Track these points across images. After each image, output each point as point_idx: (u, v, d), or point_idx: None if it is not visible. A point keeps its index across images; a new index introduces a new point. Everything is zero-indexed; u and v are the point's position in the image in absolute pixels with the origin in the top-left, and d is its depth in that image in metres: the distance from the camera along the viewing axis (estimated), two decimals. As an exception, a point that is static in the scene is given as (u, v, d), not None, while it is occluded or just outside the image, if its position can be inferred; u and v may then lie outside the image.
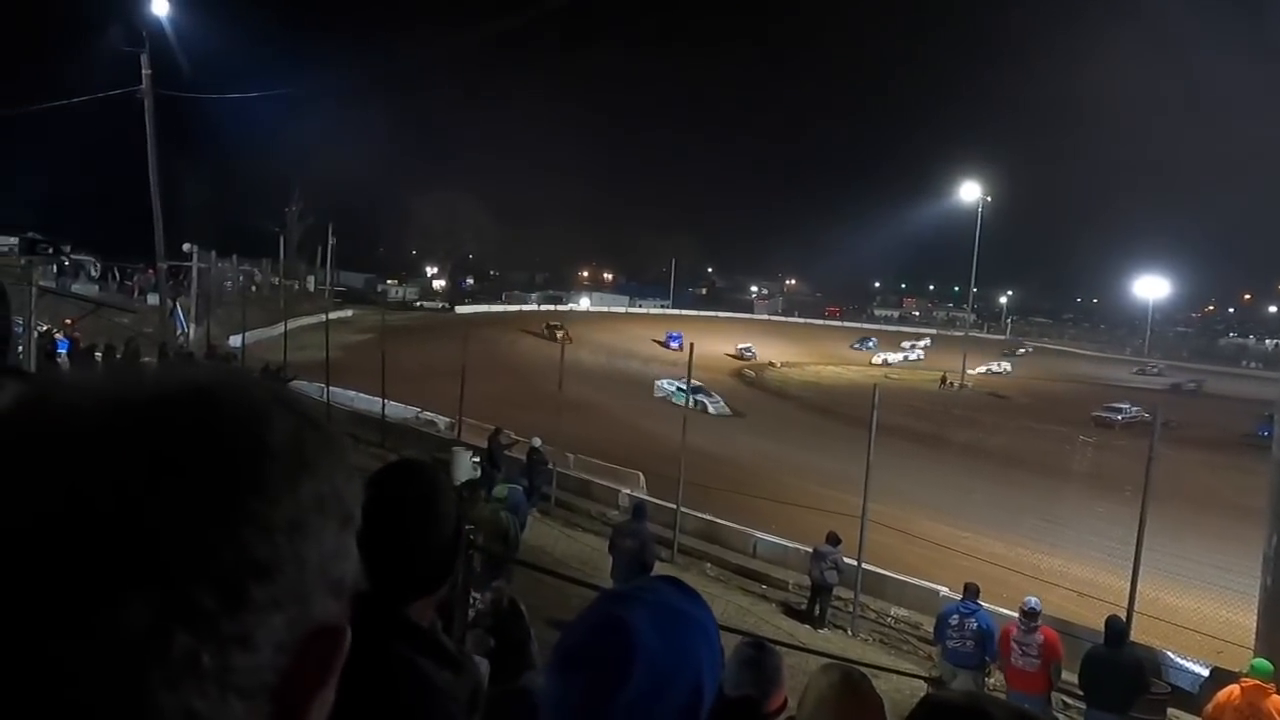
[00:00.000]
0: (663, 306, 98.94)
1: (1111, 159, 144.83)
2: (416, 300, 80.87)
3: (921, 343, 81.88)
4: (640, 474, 19.13)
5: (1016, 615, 10.68)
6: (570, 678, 1.09)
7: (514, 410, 22.09)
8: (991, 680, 9.64)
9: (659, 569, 11.27)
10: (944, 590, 12.44)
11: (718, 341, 61.83)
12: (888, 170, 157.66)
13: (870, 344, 79.29)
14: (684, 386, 36.53)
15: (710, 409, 38.22)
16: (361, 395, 24.56)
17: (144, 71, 24.62)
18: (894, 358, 74.14)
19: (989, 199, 70.32)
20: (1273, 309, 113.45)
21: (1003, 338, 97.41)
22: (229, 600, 0.46)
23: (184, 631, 0.44)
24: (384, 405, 22.67)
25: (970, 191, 71.77)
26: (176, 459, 0.47)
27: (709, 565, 14.65)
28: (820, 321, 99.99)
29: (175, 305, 32.76)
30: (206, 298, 37.17)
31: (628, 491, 17.86)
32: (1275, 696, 7.04)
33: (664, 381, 42.30)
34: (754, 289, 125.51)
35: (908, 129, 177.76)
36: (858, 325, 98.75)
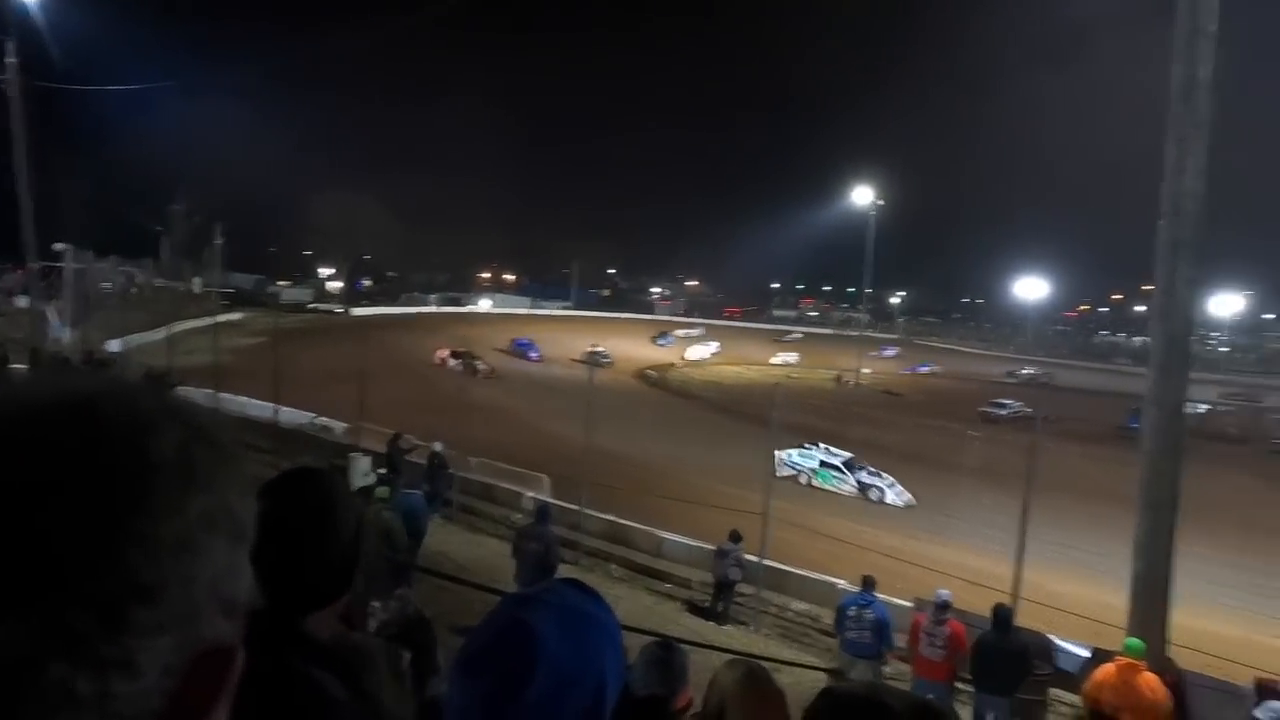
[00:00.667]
0: (565, 308, 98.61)
1: (997, 165, 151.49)
2: (310, 302, 78.36)
3: (695, 332, 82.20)
4: (545, 476, 19.03)
5: (911, 605, 11.08)
6: (473, 682, 1.09)
7: (417, 414, 21.71)
8: (888, 669, 9.94)
9: (564, 571, 11.23)
10: (842, 583, 12.78)
11: (588, 343, 60.96)
12: (787, 174, 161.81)
13: (670, 339, 78.00)
14: (831, 460, 26.75)
15: (890, 498, 25.34)
16: (253, 401, 23.70)
17: (9, 60, 23.22)
18: (703, 351, 73.35)
19: (881, 202, 72.63)
20: (1140, 308, 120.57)
21: (897, 336, 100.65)
22: (110, 624, 0.43)
23: (60, 658, 0.42)
24: (277, 411, 21.93)
25: (863, 196, 73.94)
26: (54, 476, 0.44)
27: (614, 566, 14.69)
28: (720, 322, 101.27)
29: (48, 308, 30.95)
30: (84, 300, 35.23)
31: (532, 494, 17.75)
32: (1146, 674, 7.47)
33: (791, 454, 27.07)
34: (656, 290, 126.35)
35: (806, 134, 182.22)
36: (757, 325, 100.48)
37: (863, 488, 25.87)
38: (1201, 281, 10.27)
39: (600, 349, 60.29)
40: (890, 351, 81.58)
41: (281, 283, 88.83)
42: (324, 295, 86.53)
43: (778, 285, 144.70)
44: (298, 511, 1.36)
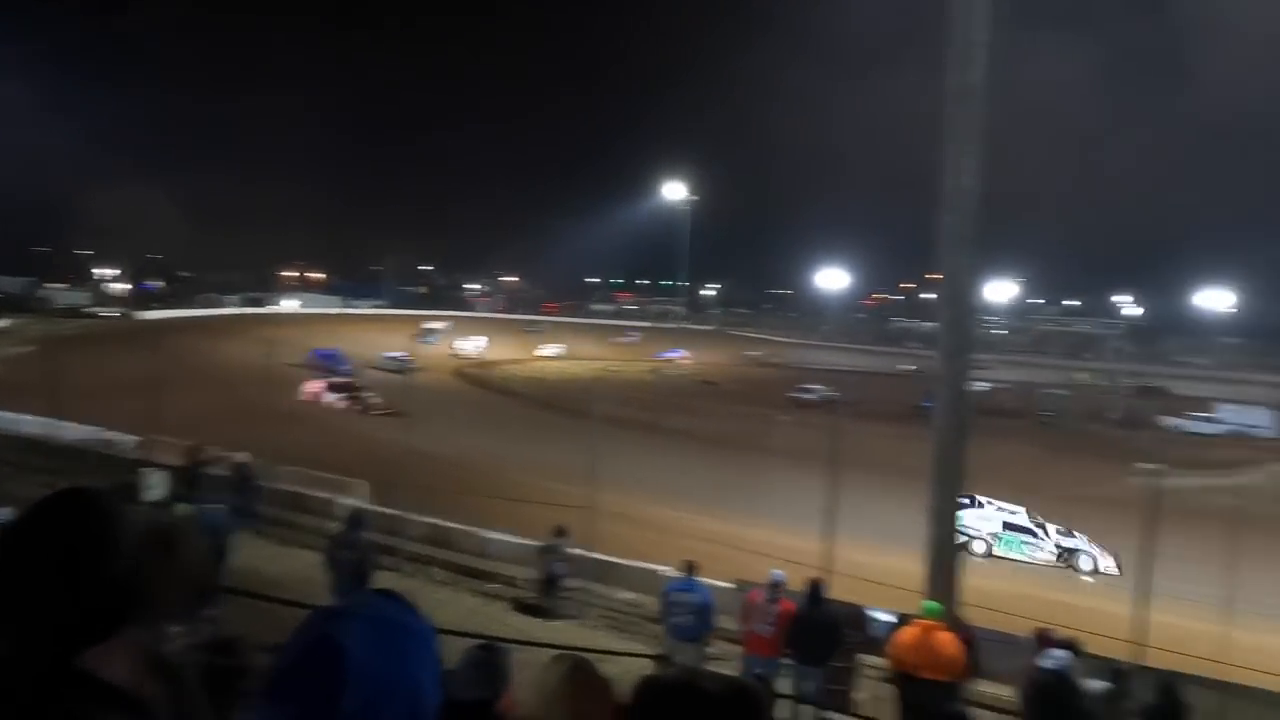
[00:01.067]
0: (378, 307, 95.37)
1: (801, 162, 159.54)
2: (89, 306, 71.66)
3: (442, 325, 75.59)
4: (363, 482, 18.38)
5: (734, 587, 11.51)
6: (281, 704, 1.04)
7: (222, 424, 20.40)
8: (713, 650, 10.26)
9: (385, 579, 10.89)
10: (665, 570, 13.08)
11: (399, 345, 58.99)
12: (605, 170, 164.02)
13: (435, 337, 71.53)
14: (1017, 520, 21.55)
15: (1104, 565, 20.10)
16: (27, 417, 21.49)
17: None
18: (472, 347, 68.81)
19: (695, 198, 74.96)
20: (927, 296, 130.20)
21: (713, 328, 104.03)
22: None
23: None
24: (56, 427, 20.02)
25: (677, 191, 76.02)
26: None
27: (437, 569, 14.39)
28: (543, 318, 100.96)
29: None
30: None
31: (348, 502, 17.09)
32: (942, 633, 8.12)
33: (959, 517, 18.91)
34: (473, 286, 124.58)
35: (622, 131, 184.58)
36: (574, 320, 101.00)
37: (1064, 554, 20.55)
38: (979, 270, 11.24)
39: (404, 355, 54.42)
40: (632, 337, 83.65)
41: (54, 285, 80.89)
42: (103, 298, 79.37)
43: (596, 280, 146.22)
44: (63, 537, 1.23)
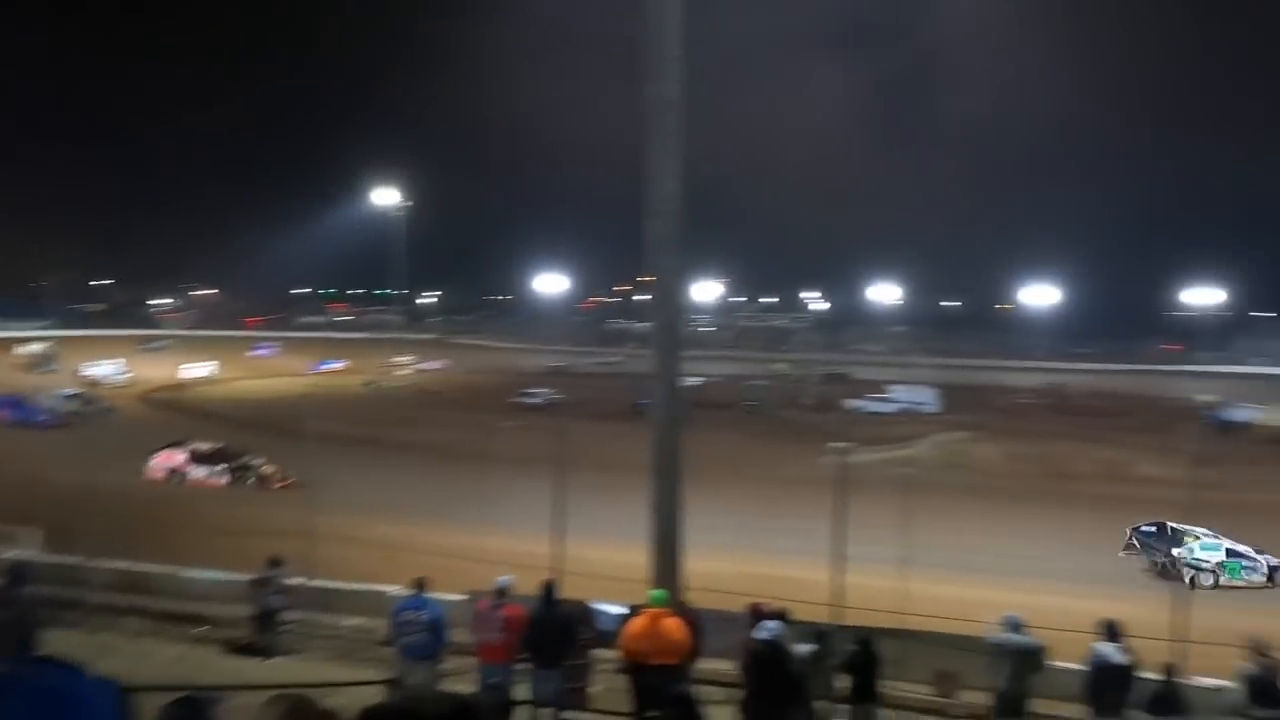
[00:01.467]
0: (44, 327, 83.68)
1: (515, 169, 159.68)
2: None
3: (39, 347, 64.63)
4: (35, 529, 16.15)
5: (467, 598, 11.37)
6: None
7: None
8: (446, 665, 10.05)
9: (61, 639, 9.56)
10: (393, 590, 12.65)
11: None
12: (310, 175, 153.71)
13: (53, 364, 60.37)
14: (1237, 547, 20.96)
15: None
16: None
17: None
18: (108, 371, 58.42)
19: (409, 203, 73.00)
20: (640, 298, 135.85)
21: (434, 336, 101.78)
22: None
23: None
24: None
25: (389, 197, 73.74)
26: None
27: (132, 619, 12.95)
28: (240, 333, 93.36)
29: None
30: None
31: (10, 554, 14.90)
32: (668, 619, 8.53)
33: (1192, 550, 20.94)
34: (162, 301, 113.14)
35: (328, 133, 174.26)
36: (277, 334, 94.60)
37: (1273, 571, 20.70)
38: (686, 271, 11.92)
39: (81, 391, 46.22)
40: (265, 350, 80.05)
41: None
42: None
43: (306, 290, 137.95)
44: None
